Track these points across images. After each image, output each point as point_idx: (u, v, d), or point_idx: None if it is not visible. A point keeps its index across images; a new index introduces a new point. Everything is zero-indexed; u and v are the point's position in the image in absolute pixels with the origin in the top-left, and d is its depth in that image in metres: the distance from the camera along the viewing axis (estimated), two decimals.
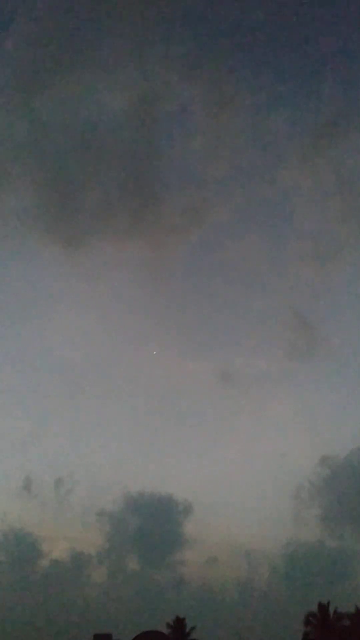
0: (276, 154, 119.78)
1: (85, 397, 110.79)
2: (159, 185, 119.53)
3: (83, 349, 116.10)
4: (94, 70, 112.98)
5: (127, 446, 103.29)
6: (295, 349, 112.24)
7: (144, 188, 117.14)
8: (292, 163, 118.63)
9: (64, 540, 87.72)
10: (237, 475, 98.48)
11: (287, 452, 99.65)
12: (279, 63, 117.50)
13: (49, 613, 75.26)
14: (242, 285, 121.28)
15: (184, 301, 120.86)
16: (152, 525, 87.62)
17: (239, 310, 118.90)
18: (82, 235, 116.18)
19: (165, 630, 66.64)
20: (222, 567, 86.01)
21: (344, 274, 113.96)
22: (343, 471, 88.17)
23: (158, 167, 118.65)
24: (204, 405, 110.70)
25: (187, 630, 66.66)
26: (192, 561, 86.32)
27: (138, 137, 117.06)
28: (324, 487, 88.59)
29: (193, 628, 66.80)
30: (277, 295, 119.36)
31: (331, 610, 61.51)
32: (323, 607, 61.42)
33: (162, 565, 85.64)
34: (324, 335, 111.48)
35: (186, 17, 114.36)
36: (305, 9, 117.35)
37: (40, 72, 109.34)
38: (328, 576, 76.20)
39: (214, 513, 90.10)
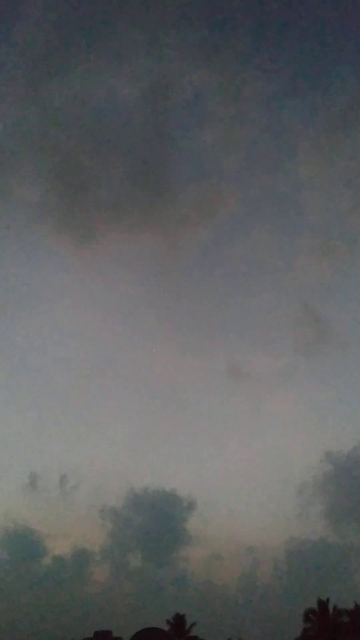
0: (290, 145, 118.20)
1: (90, 394, 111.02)
2: (171, 176, 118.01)
3: (88, 346, 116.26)
4: (105, 58, 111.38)
5: (132, 443, 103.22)
6: (304, 344, 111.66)
7: (155, 180, 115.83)
8: (306, 154, 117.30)
9: (67, 536, 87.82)
10: (240, 471, 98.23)
11: (291, 448, 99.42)
12: (294, 51, 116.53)
13: (50, 610, 75.56)
14: (251, 279, 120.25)
15: (193, 295, 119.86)
16: (156, 521, 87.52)
17: (247, 305, 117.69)
18: (92, 229, 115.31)
19: (165, 627, 66.55)
20: (225, 563, 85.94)
21: (355, 268, 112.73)
22: (347, 467, 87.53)
23: (170, 158, 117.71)
24: (208, 401, 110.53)
25: (187, 627, 66.30)
26: (195, 558, 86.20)
27: (150, 127, 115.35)
28: (328, 483, 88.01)
29: (193, 624, 66.49)
30: (287, 289, 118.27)
31: (331, 606, 60.96)
32: (322, 604, 60.89)
33: (165, 562, 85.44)
34: (333, 330, 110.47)
35: (201, 4, 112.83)
36: None
37: (51, 61, 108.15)
38: (330, 573, 75.63)
39: (217, 509, 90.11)
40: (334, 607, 60.69)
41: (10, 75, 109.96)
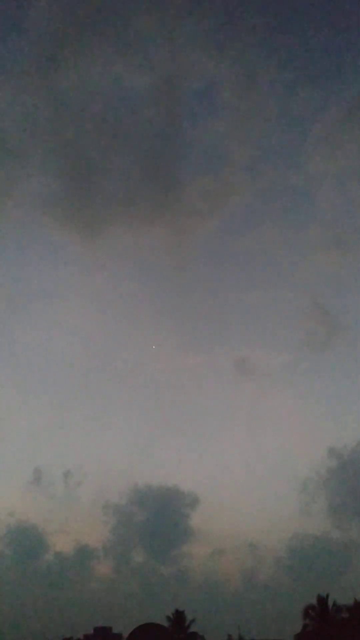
0: (302, 135, 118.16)
1: (94, 391, 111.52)
2: (181, 168, 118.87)
3: (92, 342, 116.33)
4: (116, 47, 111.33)
5: (135, 439, 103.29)
6: (311, 339, 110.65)
7: (165, 172, 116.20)
8: (318, 145, 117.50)
9: (69, 533, 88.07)
10: (244, 467, 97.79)
11: (295, 443, 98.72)
12: (308, 41, 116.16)
13: (51, 606, 75.59)
14: (260, 272, 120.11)
15: (201, 290, 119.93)
16: (159, 518, 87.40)
17: (255, 299, 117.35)
18: (99, 222, 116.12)
19: (165, 623, 66.14)
20: (227, 559, 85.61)
21: None
22: (351, 462, 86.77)
23: (180, 149, 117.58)
24: (212, 397, 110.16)
25: (187, 623, 65.85)
26: (198, 554, 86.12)
27: (161, 117, 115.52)
28: (332, 478, 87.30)
29: (193, 621, 66.05)
30: (295, 283, 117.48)
31: (330, 602, 60.15)
32: (322, 600, 60.12)
33: (168, 558, 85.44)
34: (341, 324, 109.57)
35: None
36: None
37: (60, 50, 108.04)
38: (333, 569, 75.01)
39: (220, 505, 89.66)
40: (334, 603, 59.93)
41: (20, 64, 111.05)
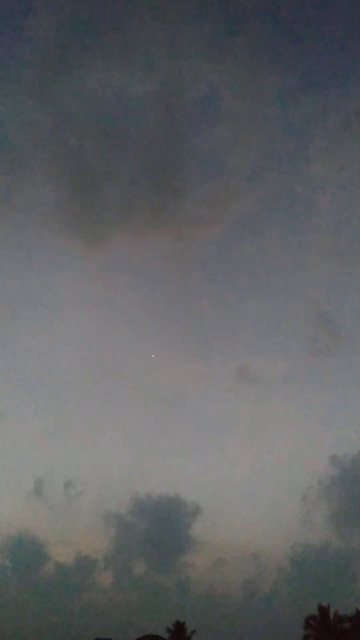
0: (304, 142, 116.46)
1: (95, 400, 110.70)
2: (183, 176, 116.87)
3: (93, 351, 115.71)
4: (117, 55, 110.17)
5: (136, 448, 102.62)
6: (314, 348, 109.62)
7: (167, 179, 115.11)
8: (320, 152, 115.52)
9: (70, 543, 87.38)
10: (245, 476, 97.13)
11: (297, 452, 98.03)
12: (309, 47, 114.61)
13: (52, 617, 75.05)
14: (262, 280, 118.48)
15: (203, 298, 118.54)
16: (160, 527, 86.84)
17: (256, 307, 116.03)
18: (102, 230, 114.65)
19: (165, 635, 65.73)
20: (229, 569, 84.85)
21: None
22: (353, 470, 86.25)
23: (182, 157, 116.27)
24: (213, 406, 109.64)
25: (187, 634, 65.38)
26: (199, 564, 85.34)
27: (162, 125, 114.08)
28: (333, 487, 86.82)
29: (193, 632, 65.60)
30: (297, 290, 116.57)
31: (331, 612, 59.78)
32: (323, 610, 59.75)
33: (169, 568, 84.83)
34: (343, 332, 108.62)
35: None
36: None
37: (62, 58, 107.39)
38: (334, 578, 74.41)
39: (221, 515, 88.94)
40: (335, 613, 59.57)
41: (21, 72, 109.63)
